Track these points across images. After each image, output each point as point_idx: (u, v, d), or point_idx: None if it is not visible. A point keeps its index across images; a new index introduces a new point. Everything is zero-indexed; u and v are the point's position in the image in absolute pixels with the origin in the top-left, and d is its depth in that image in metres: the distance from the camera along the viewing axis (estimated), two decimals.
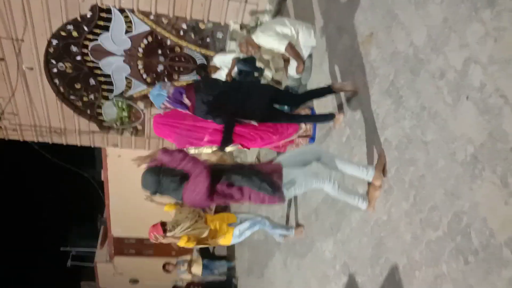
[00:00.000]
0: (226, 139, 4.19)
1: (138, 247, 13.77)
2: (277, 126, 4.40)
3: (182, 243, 4.59)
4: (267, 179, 2.92)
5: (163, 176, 2.86)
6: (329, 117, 4.15)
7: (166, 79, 8.00)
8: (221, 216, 5.09)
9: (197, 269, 8.84)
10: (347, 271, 3.61)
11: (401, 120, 2.97)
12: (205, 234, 4.68)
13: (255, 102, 3.94)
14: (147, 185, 2.92)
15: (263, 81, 6.06)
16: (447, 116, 2.46)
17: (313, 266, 4.44)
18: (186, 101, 3.78)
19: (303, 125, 4.63)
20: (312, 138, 4.76)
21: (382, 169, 3.17)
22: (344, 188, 3.21)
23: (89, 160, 15.11)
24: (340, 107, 4.13)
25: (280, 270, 5.60)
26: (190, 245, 4.69)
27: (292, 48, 4.56)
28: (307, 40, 4.90)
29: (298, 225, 5.05)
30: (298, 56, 4.63)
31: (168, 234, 4.54)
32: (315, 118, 4.51)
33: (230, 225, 4.95)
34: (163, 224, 4.61)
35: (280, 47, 4.42)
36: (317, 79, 4.87)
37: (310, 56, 5.09)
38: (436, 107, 2.57)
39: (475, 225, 2.18)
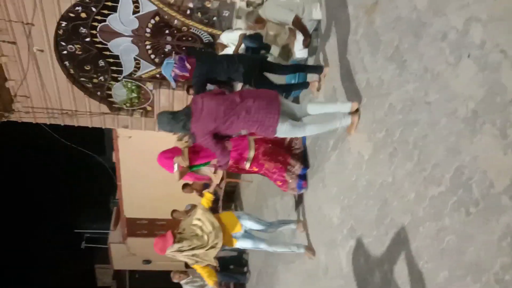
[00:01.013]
0: None
1: (150, 228, 14.01)
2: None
3: (202, 271, 4.25)
4: None
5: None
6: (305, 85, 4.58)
7: None
8: (227, 220, 4.50)
9: None
10: (354, 234, 3.73)
11: (405, 83, 3.04)
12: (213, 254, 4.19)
13: (246, 71, 4.36)
14: (162, 124, 3.50)
15: (270, 58, 6.13)
16: (449, 75, 2.53)
17: (321, 232, 4.57)
18: (187, 65, 4.28)
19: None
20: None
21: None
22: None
23: (98, 146, 15.32)
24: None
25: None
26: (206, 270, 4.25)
27: (299, 21, 4.65)
28: (313, 14, 4.97)
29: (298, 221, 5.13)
30: (304, 29, 4.71)
31: (171, 250, 4.05)
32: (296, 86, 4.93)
33: (234, 235, 4.50)
34: (175, 235, 4.11)
35: (287, 18, 4.52)
36: (323, 52, 4.92)
37: (316, 29, 5.15)
38: (438, 67, 2.65)
39: (476, 177, 2.27)
